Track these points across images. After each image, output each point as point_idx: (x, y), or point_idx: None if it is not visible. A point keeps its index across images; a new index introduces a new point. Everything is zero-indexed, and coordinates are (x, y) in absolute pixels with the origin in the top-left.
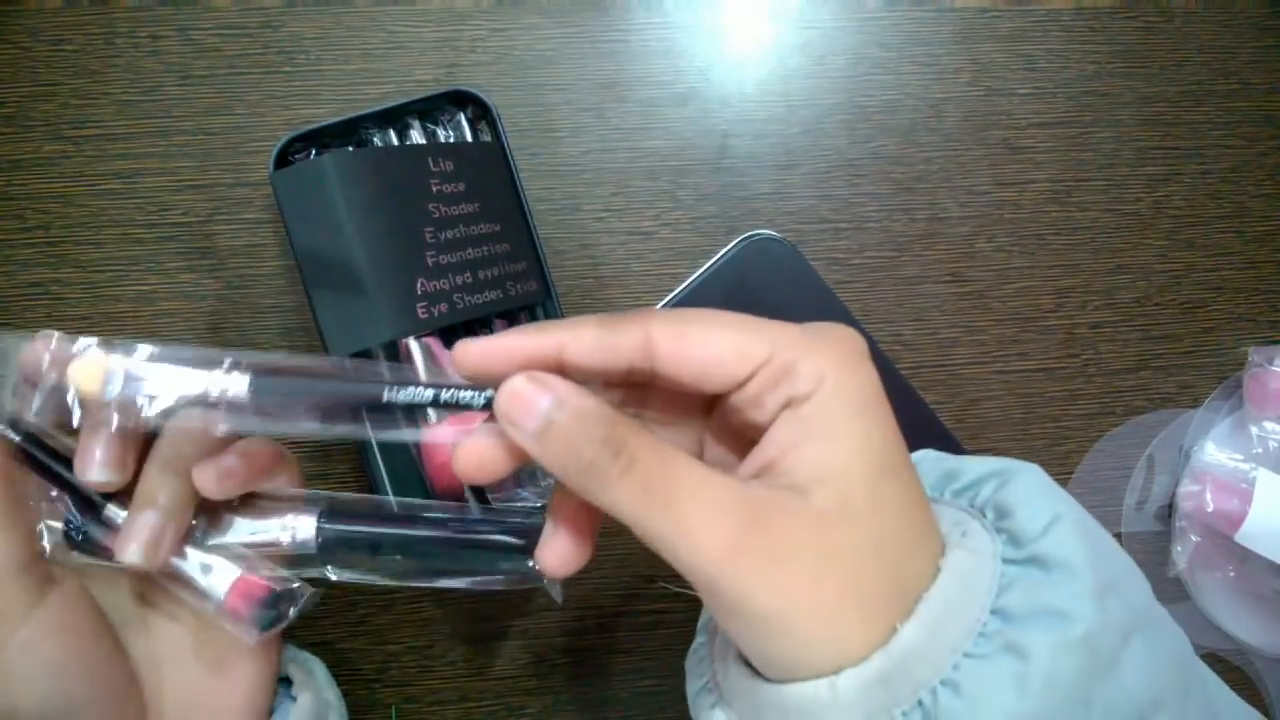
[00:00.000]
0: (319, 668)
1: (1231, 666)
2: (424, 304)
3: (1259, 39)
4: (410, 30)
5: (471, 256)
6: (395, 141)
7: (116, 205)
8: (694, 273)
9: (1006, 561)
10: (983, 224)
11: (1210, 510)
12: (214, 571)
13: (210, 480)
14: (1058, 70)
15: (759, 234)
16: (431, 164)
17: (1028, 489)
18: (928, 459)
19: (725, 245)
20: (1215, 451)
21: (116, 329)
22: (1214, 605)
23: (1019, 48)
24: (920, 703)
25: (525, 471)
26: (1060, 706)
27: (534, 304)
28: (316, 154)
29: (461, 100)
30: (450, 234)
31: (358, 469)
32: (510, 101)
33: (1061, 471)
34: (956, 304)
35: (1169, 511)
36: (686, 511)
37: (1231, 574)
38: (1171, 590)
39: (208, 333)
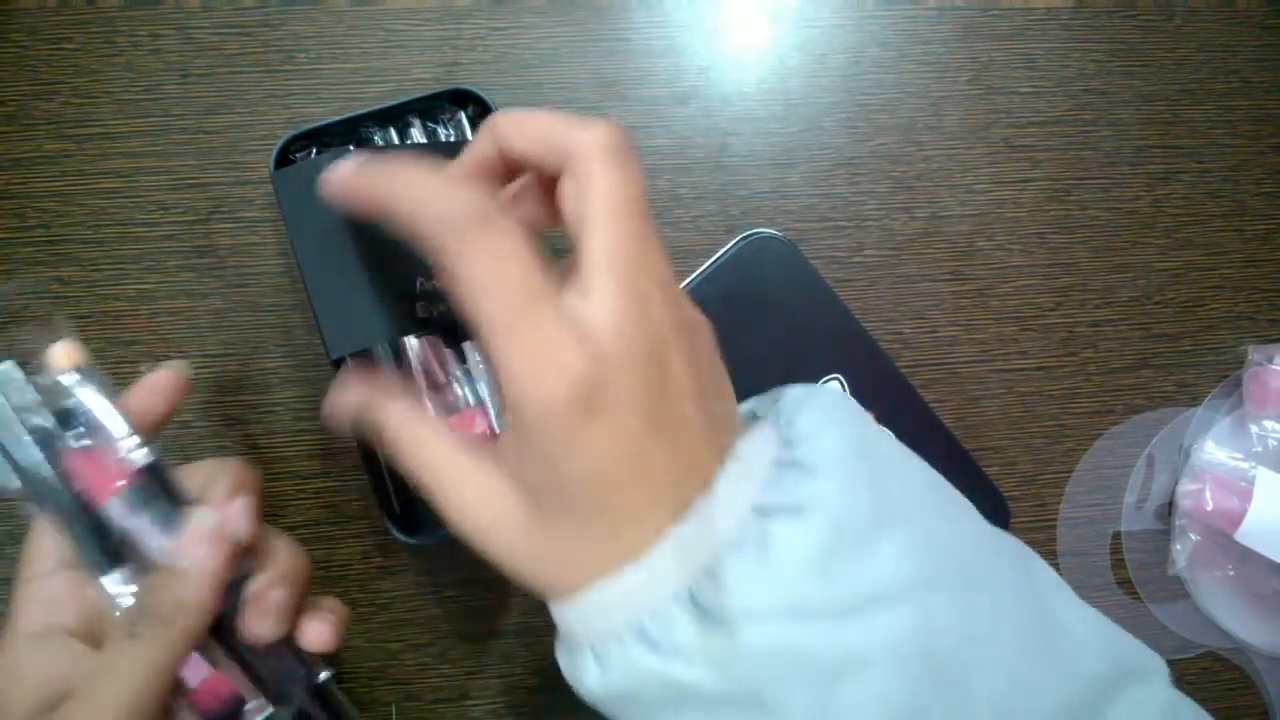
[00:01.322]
0: None
1: (1231, 665)
2: (424, 302)
3: (1259, 38)
4: (410, 29)
5: None
6: (396, 140)
7: (116, 204)
8: (694, 271)
9: (779, 465)
10: (982, 222)
11: (1210, 509)
12: (189, 666)
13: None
14: (1058, 69)
15: (759, 232)
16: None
17: (814, 401)
18: (759, 400)
19: (725, 244)
20: (1215, 450)
21: (116, 328)
22: (1214, 604)
23: (1019, 46)
24: (689, 589)
25: None
26: (798, 576)
27: None
28: (317, 153)
29: (462, 99)
30: None
31: (358, 470)
32: (511, 100)
33: (1061, 470)
34: (956, 302)
35: (1169, 510)
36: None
37: (1231, 573)
38: (1171, 589)
39: (208, 331)
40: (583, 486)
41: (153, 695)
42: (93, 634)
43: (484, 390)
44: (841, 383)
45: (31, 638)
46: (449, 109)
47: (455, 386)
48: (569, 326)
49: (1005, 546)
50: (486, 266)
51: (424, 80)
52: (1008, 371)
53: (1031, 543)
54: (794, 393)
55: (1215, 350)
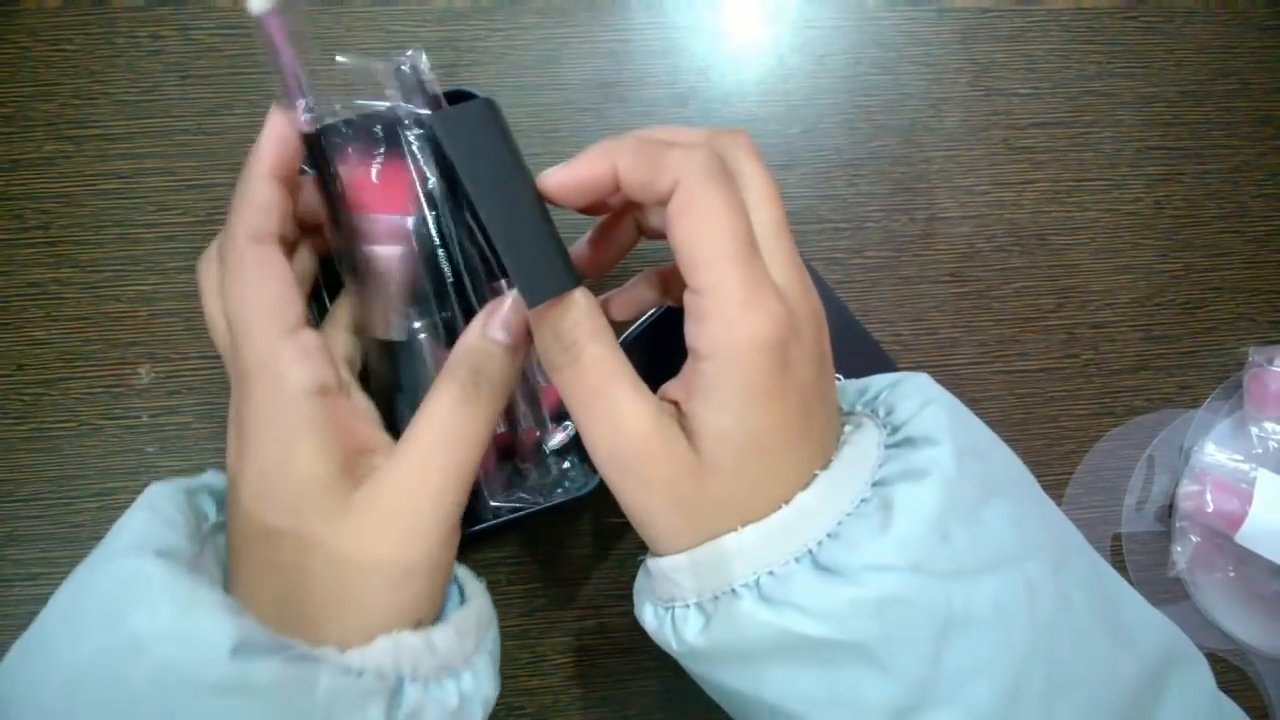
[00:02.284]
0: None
1: (1231, 666)
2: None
3: (1259, 39)
4: (410, 29)
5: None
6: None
7: (116, 205)
8: None
9: (888, 446)
10: (983, 224)
11: (1210, 510)
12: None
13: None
14: (1058, 70)
15: None
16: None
17: (909, 388)
18: (849, 386)
19: None
20: (1215, 452)
21: (116, 329)
22: (1214, 605)
23: (1019, 48)
24: (810, 550)
25: (521, 478)
26: (920, 535)
27: None
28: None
29: (463, 100)
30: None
31: None
32: (510, 101)
33: (1062, 471)
34: (956, 304)
35: (1169, 511)
36: (608, 409)
37: (1231, 574)
38: (1171, 590)
39: (207, 333)
40: (767, 434)
41: (480, 455)
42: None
43: None
44: (841, 381)
45: (311, 394)
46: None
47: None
48: (773, 283)
49: (1076, 532)
50: (725, 205)
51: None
52: (1008, 373)
53: None
54: (883, 380)
55: (1216, 352)
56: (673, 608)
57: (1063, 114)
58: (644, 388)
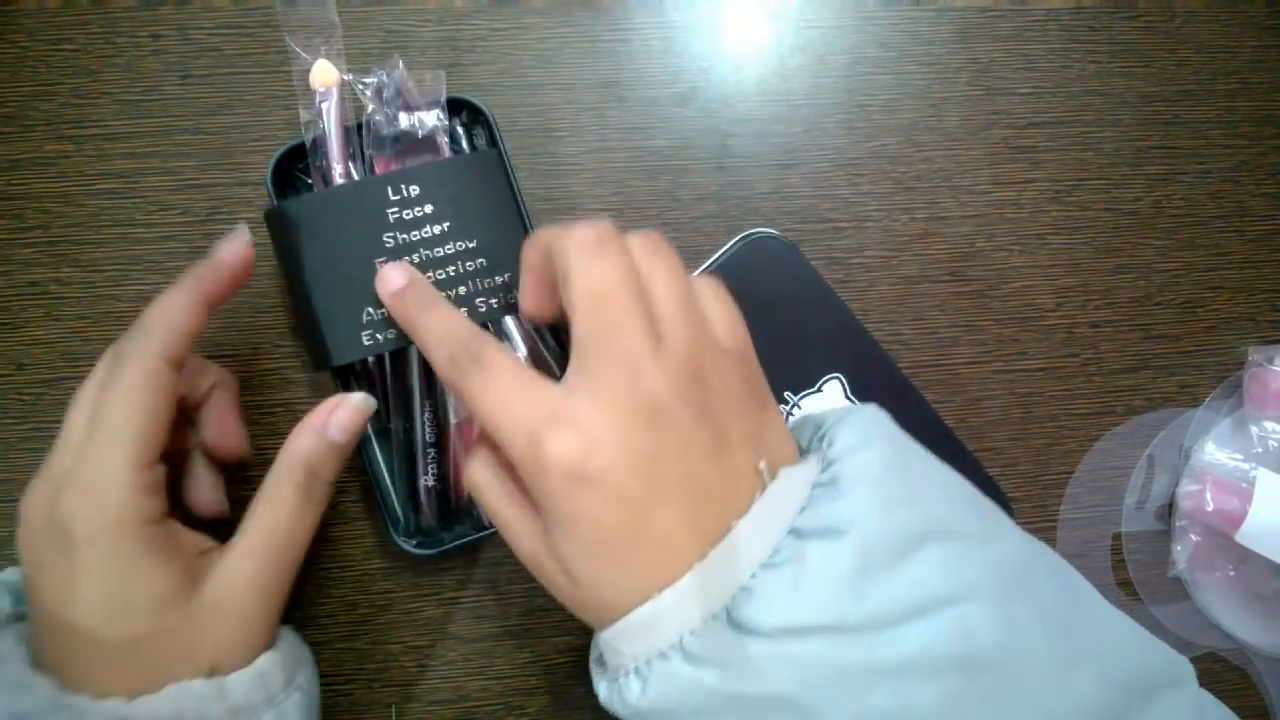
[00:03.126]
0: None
1: (1231, 666)
2: (369, 331)
3: (1260, 38)
4: (409, 29)
5: (432, 280)
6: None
7: (116, 205)
8: (694, 271)
9: (815, 486)
10: (982, 223)
11: (1210, 510)
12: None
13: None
14: (1058, 70)
15: (758, 232)
16: (391, 192)
17: (853, 421)
18: (806, 421)
19: (726, 244)
20: (1215, 451)
21: (116, 328)
22: (1214, 605)
23: (1019, 47)
24: (725, 608)
25: None
26: (831, 596)
27: (515, 314)
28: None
29: (456, 106)
30: (407, 260)
31: (359, 472)
32: (510, 101)
33: (1062, 471)
34: (956, 303)
35: (1169, 511)
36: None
37: (1231, 574)
38: (1172, 589)
39: (207, 332)
40: (596, 547)
41: (308, 544)
42: None
43: None
44: (842, 382)
45: None
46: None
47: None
48: (557, 412)
49: (1040, 556)
50: (485, 389)
51: (424, 82)
52: (1008, 372)
53: None
54: (835, 413)
55: (1216, 351)
56: (618, 677)
57: (1062, 113)
58: (524, 504)
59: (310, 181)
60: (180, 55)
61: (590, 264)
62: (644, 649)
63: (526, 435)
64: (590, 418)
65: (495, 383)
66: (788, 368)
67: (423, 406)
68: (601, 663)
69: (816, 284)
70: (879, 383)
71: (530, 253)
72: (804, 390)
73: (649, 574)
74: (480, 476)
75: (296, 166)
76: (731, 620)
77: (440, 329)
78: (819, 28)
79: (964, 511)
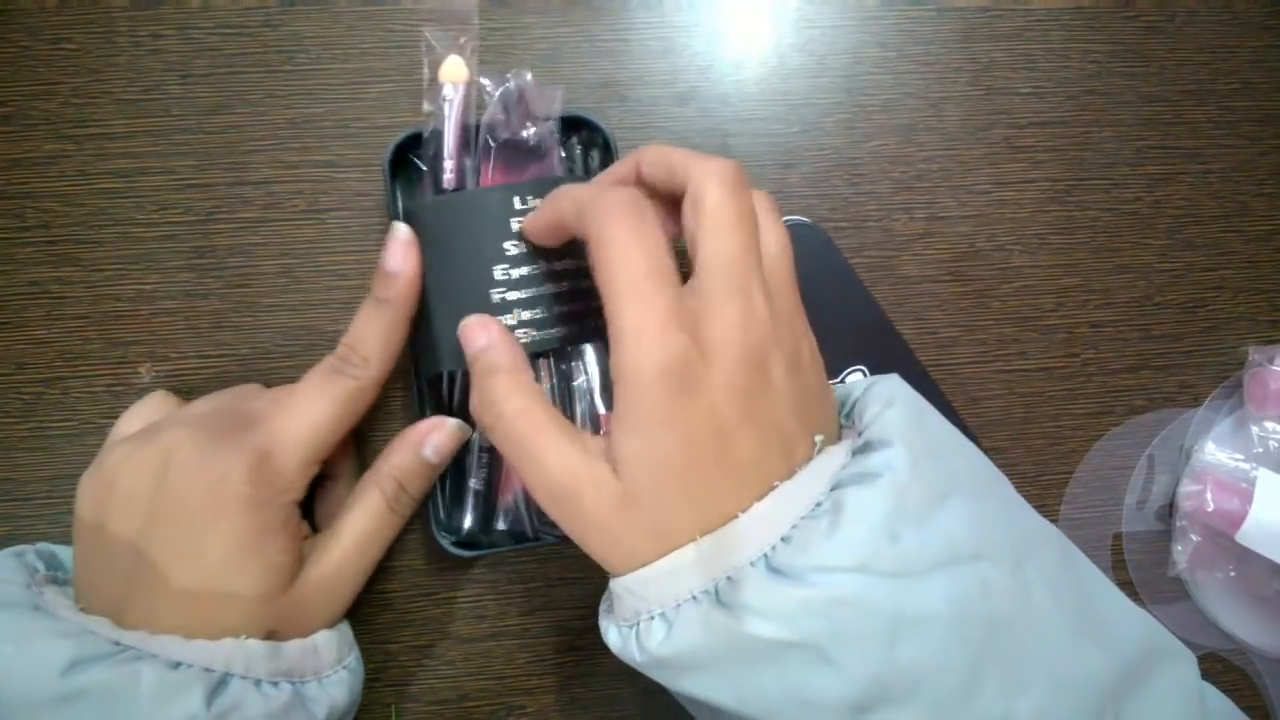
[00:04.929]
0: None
1: (1232, 666)
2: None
3: (1260, 38)
4: (409, 29)
5: (547, 292)
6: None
7: (116, 204)
8: None
9: (854, 453)
10: (983, 223)
11: (1211, 510)
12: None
13: None
14: (1058, 69)
15: (791, 219)
16: (518, 202)
17: (875, 392)
18: (837, 393)
19: None
20: (1216, 451)
21: (116, 328)
22: (1214, 605)
23: (1019, 47)
24: (764, 555)
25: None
26: (867, 537)
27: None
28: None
29: (575, 125)
30: (525, 270)
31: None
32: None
33: (1062, 471)
34: (957, 303)
35: (1169, 511)
36: (534, 456)
37: (1232, 574)
38: (1172, 589)
39: (208, 332)
40: (675, 459)
41: (383, 549)
42: None
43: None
44: (865, 374)
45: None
46: (566, 132)
47: None
48: (682, 313)
49: (1048, 530)
50: (626, 241)
51: (425, 81)
52: (1008, 372)
53: None
54: (859, 386)
55: (1216, 351)
56: (637, 623)
57: (1063, 113)
58: (571, 431)
59: (424, 169)
60: (180, 55)
61: (731, 197)
62: (674, 592)
63: (649, 320)
64: (710, 335)
65: (640, 245)
66: None
67: None
68: (611, 611)
69: (847, 275)
70: (901, 376)
71: (653, 163)
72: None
73: (702, 510)
74: (515, 402)
75: (412, 152)
76: (769, 566)
77: (594, 189)
78: (819, 28)
79: (981, 474)
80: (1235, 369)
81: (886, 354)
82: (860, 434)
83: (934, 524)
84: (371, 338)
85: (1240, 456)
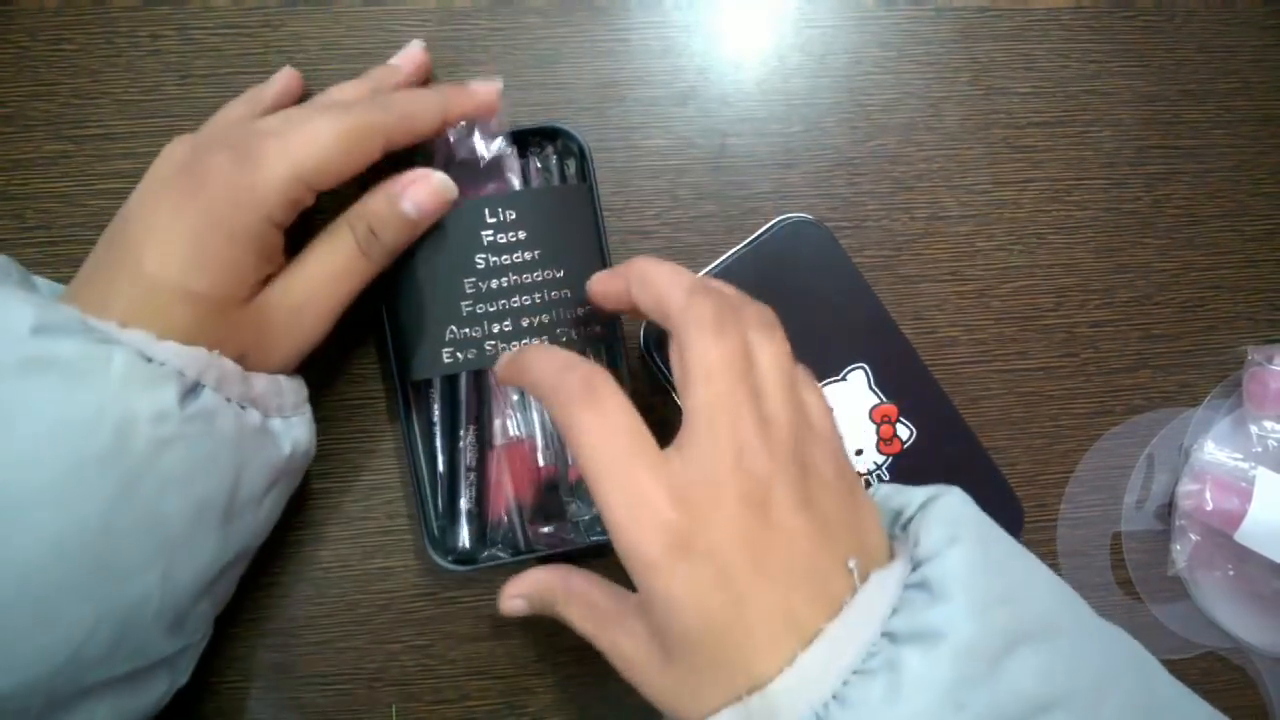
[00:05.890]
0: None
1: (1231, 666)
2: (450, 349)
3: (1260, 38)
4: (409, 29)
5: (516, 305)
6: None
7: (117, 205)
8: (724, 256)
9: (907, 587)
10: (982, 223)
11: (1210, 509)
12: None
13: None
14: (1057, 69)
15: (794, 217)
16: (488, 214)
17: (937, 514)
18: (882, 496)
19: (728, 243)
20: (1215, 450)
21: None
22: (1213, 604)
23: (1019, 47)
24: (816, 715)
25: (561, 511)
26: (931, 709)
27: (596, 347)
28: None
29: (552, 134)
30: (495, 283)
31: (359, 471)
32: (509, 101)
33: (1061, 470)
34: (956, 302)
35: (1169, 510)
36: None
37: (1231, 573)
38: (1171, 589)
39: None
40: (695, 629)
41: (351, 292)
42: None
43: (536, 422)
44: (866, 372)
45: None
46: (542, 142)
47: (509, 419)
48: (664, 481)
49: (1123, 646)
50: (593, 427)
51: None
52: (1008, 372)
53: (1032, 543)
54: (915, 499)
55: (1215, 351)
56: None
57: (1062, 113)
58: (615, 605)
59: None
60: (180, 55)
61: (711, 345)
62: None
63: (632, 500)
64: (699, 494)
65: (606, 426)
66: (814, 354)
67: (466, 429)
68: None
69: (849, 272)
70: (903, 375)
71: (640, 289)
72: (828, 378)
73: (742, 669)
74: (572, 584)
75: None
76: None
77: (555, 363)
78: (819, 28)
79: (1051, 606)
80: (1234, 368)
81: (888, 352)
82: (915, 562)
83: (1002, 681)
84: (414, 99)
85: (1239, 456)
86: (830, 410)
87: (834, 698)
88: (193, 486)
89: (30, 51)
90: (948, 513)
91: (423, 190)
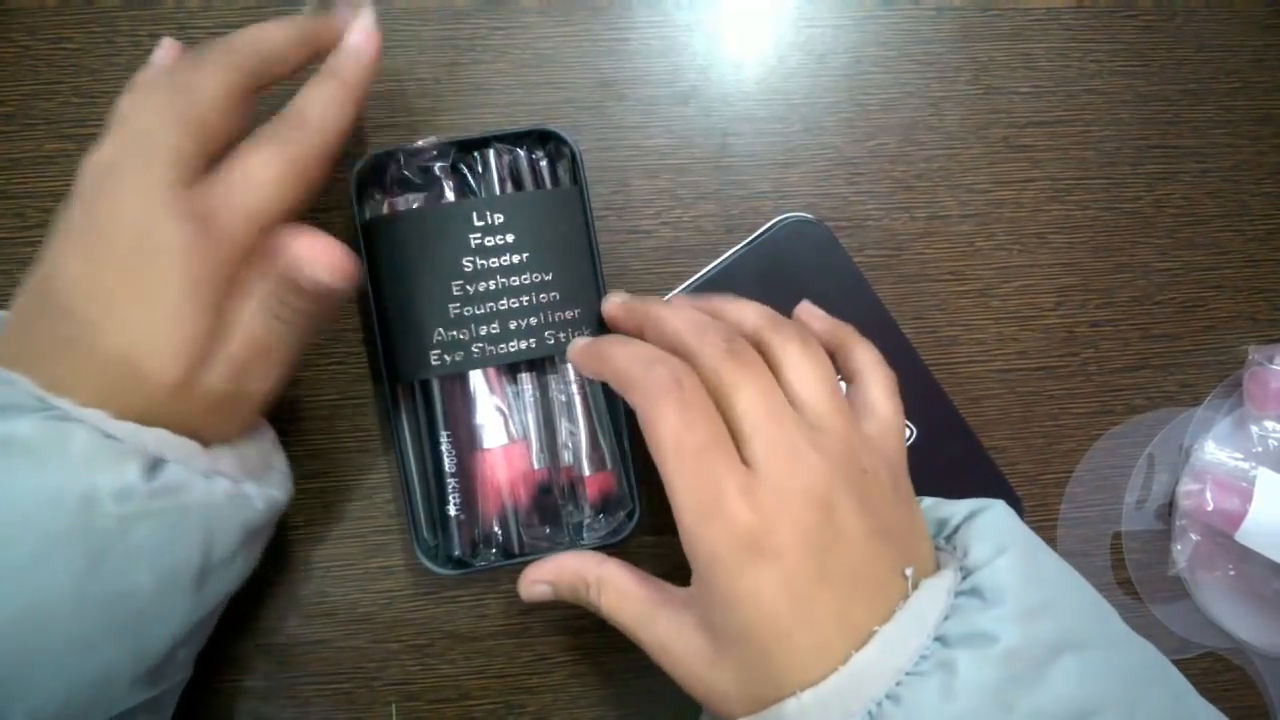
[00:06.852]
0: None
1: (1231, 666)
2: (437, 352)
3: (1260, 37)
4: (409, 28)
5: (504, 307)
6: (478, 165)
7: None
8: (726, 254)
9: (957, 594)
10: (983, 222)
11: (1210, 509)
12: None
13: None
14: (1058, 68)
15: (795, 216)
16: (475, 218)
17: (984, 526)
18: (933, 511)
19: (728, 243)
20: (1215, 450)
21: None
22: (1214, 604)
23: (1019, 46)
24: (869, 713)
25: (554, 513)
26: (981, 709)
27: None
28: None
29: (545, 138)
30: (483, 286)
31: (358, 471)
32: (510, 100)
33: (1062, 470)
34: (956, 302)
35: (1169, 510)
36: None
37: (1231, 573)
38: (1171, 589)
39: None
40: (755, 626)
41: (287, 359)
42: None
43: (530, 425)
44: None
45: None
46: (532, 145)
47: (507, 419)
48: (737, 481)
49: (1150, 659)
50: (673, 420)
51: (425, 80)
52: (1008, 371)
53: None
54: (960, 511)
55: (1215, 350)
56: None
57: (1062, 112)
58: (659, 597)
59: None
60: None
61: (739, 378)
62: None
63: (705, 496)
64: (769, 493)
65: (688, 421)
66: None
67: (445, 434)
68: None
69: (849, 272)
70: (904, 374)
71: (656, 339)
72: None
73: (797, 666)
74: (605, 571)
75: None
76: None
77: (641, 355)
78: (819, 27)
79: (1091, 616)
80: (1235, 368)
81: (889, 352)
82: (964, 571)
83: (1047, 687)
84: (315, 104)
85: (1240, 455)
86: (894, 417)
87: (888, 697)
88: (162, 558)
89: (31, 50)
90: (995, 524)
91: (320, 256)
